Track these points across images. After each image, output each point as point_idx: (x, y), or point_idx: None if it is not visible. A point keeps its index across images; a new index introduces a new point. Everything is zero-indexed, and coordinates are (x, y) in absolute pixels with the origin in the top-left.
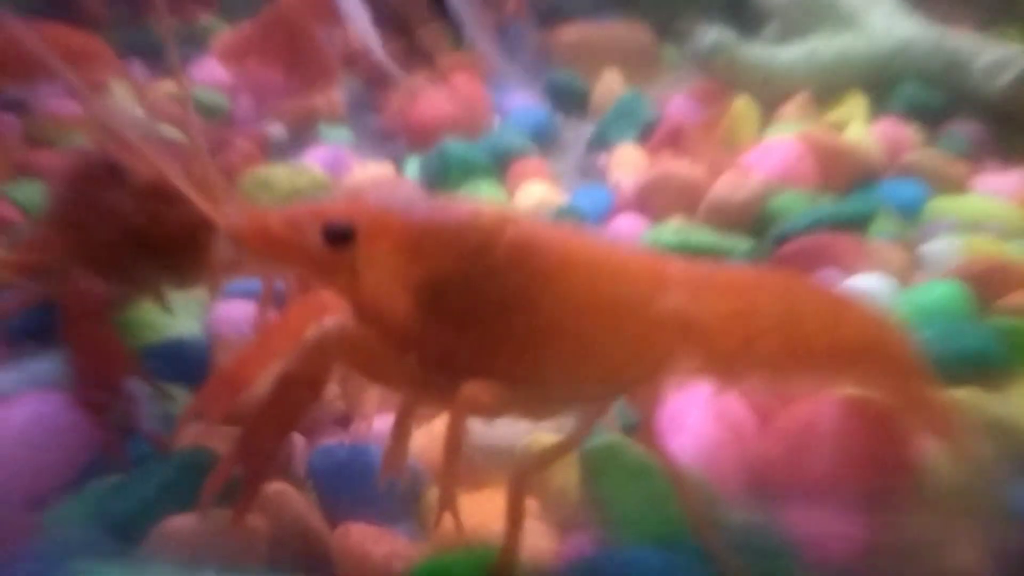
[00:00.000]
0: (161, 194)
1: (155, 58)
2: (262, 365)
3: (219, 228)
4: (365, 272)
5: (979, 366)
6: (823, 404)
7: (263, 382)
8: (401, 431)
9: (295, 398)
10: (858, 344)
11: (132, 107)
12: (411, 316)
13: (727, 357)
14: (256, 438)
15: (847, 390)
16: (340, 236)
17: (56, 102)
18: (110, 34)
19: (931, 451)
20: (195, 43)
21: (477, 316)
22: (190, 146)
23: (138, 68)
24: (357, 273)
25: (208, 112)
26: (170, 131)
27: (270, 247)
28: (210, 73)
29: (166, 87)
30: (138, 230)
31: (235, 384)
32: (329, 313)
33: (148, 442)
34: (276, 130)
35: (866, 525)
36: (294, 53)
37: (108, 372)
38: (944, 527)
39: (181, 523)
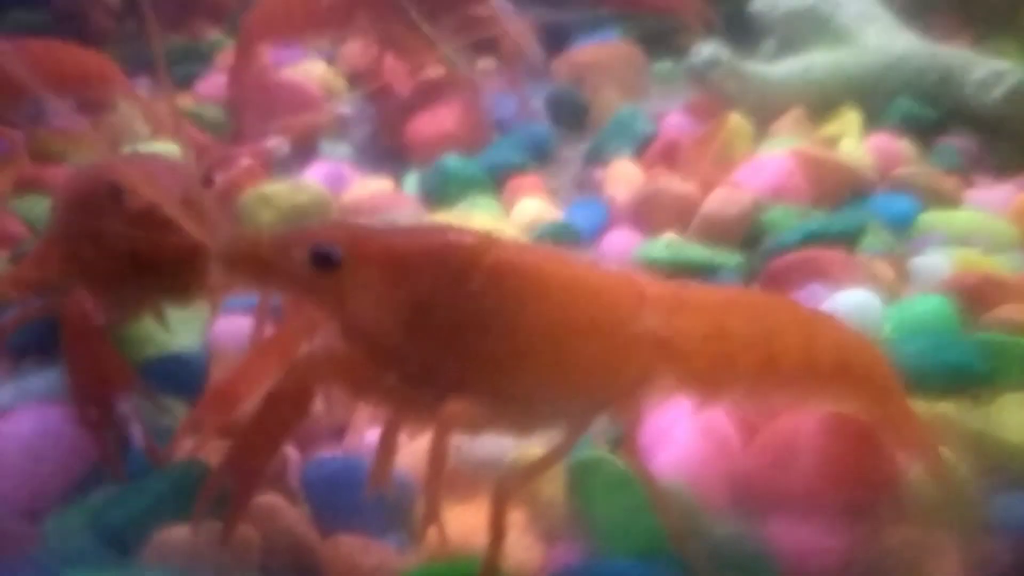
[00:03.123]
0: (159, 215)
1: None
2: (257, 380)
3: (209, 253)
4: (351, 294)
5: (963, 380)
6: (805, 419)
7: (257, 397)
8: (386, 447)
9: (282, 415)
10: (834, 362)
11: (137, 125)
12: (396, 335)
13: (703, 374)
14: (245, 453)
15: (827, 407)
16: (327, 260)
17: (64, 119)
18: (117, 49)
19: (911, 466)
20: (202, 59)
21: (459, 335)
22: (186, 170)
23: (145, 84)
24: (343, 294)
25: (213, 128)
26: (172, 150)
27: (259, 272)
28: (216, 89)
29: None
30: (136, 251)
31: (230, 398)
32: (320, 330)
33: (144, 455)
34: (279, 145)
35: (846, 538)
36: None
37: (106, 387)
38: (923, 540)
39: (175, 534)
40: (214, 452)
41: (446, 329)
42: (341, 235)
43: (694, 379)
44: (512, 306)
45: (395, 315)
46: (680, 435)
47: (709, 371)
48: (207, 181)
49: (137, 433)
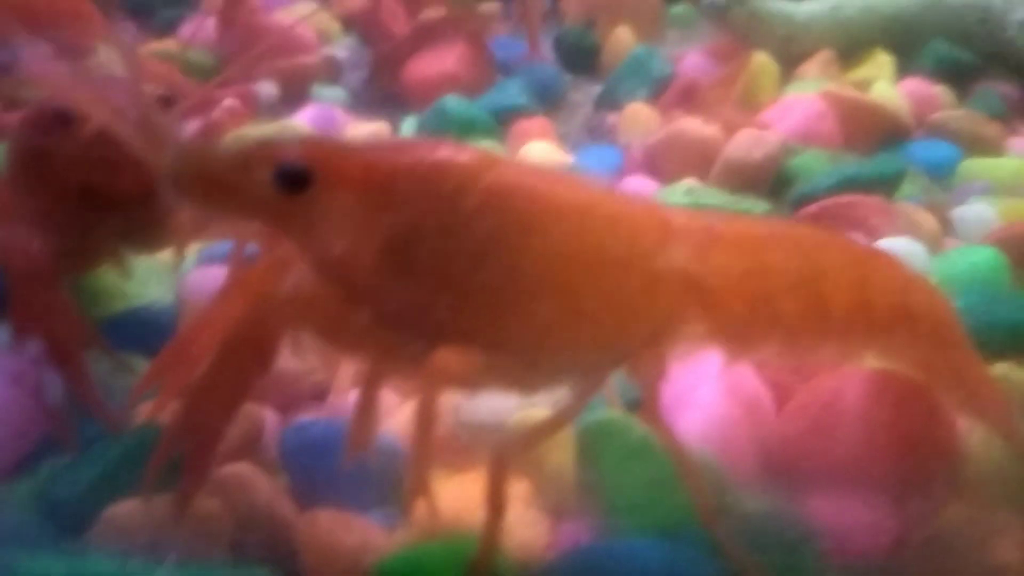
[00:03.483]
0: (114, 143)
1: (147, 17)
2: (223, 327)
3: (159, 171)
4: (323, 220)
5: (1019, 338)
6: (849, 377)
7: None
8: (367, 405)
9: (241, 367)
10: (891, 308)
11: (118, 70)
12: (377, 271)
13: (739, 321)
14: (198, 413)
15: (876, 362)
16: (295, 179)
17: (41, 65)
18: None
19: (971, 433)
20: (187, 1)
21: (452, 270)
22: (142, 91)
23: (129, 27)
24: (314, 222)
25: (199, 72)
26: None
27: (214, 193)
28: (203, 31)
29: (156, 47)
30: (89, 185)
31: (193, 352)
32: (293, 270)
33: (98, 420)
34: (267, 89)
35: (897, 515)
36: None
37: (55, 341)
38: (985, 518)
39: (128, 509)
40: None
41: (435, 263)
42: (311, 150)
43: (729, 326)
44: (514, 235)
45: (375, 246)
46: (704, 395)
47: (747, 317)
48: (165, 102)
49: (93, 395)
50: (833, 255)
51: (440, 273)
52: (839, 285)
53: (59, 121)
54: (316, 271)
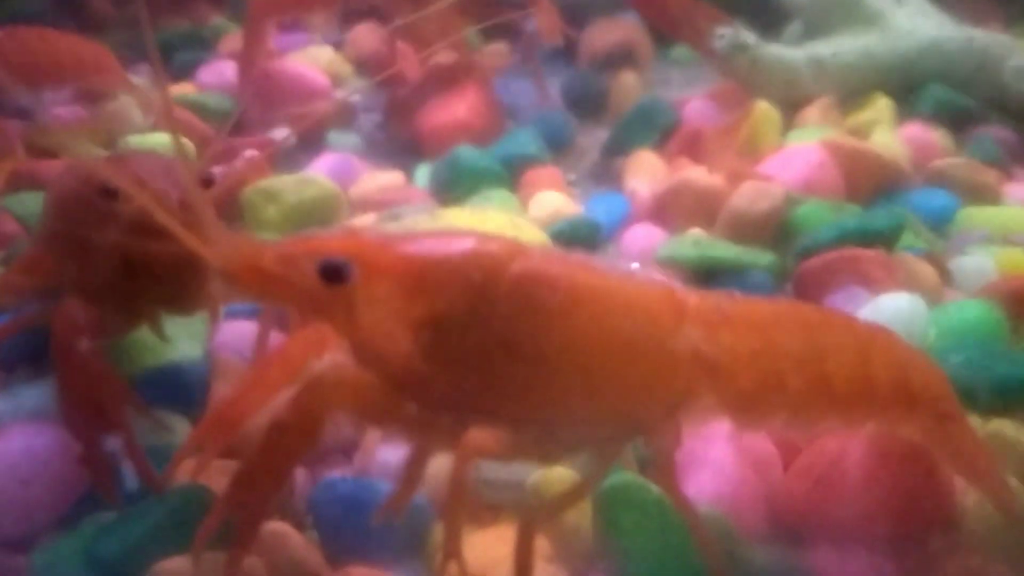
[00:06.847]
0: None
1: (164, 61)
2: (261, 397)
3: (209, 264)
4: (363, 310)
5: (1015, 395)
6: (852, 439)
7: (262, 416)
8: (412, 477)
9: (289, 446)
10: (891, 383)
11: (136, 116)
12: (413, 356)
13: (748, 396)
14: (249, 486)
15: (881, 430)
16: (337, 273)
17: (62, 110)
18: (118, 36)
19: (967, 492)
20: (204, 45)
21: (482, 355)
22: (183, 170)
23: (146, 72)
24: (355, 311)
25: (216, 117)
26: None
27: (263, 284)
28: (219, 76)
29: (173, 92)
30: (130, 258)
31: (233, 418)
32: (330, 344)
33: (143, 481)
34: (284, 136)
35: (897, 569)
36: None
37: (98, 404)
38: (982, 573)
39: (175, 566)
40: (216, 475)
41: (468, 347)
42: (352, 245)
43: (739, 401)
44: (540, 321)
45: (412, 333)
46: (715, 456)
47: (755, 392)
48: (206, 182)
49: (134, 453)
50: (836, 333)
51: (471, 356)
52: (842, 362)
53: (102, 197)
54: (356, 356)
